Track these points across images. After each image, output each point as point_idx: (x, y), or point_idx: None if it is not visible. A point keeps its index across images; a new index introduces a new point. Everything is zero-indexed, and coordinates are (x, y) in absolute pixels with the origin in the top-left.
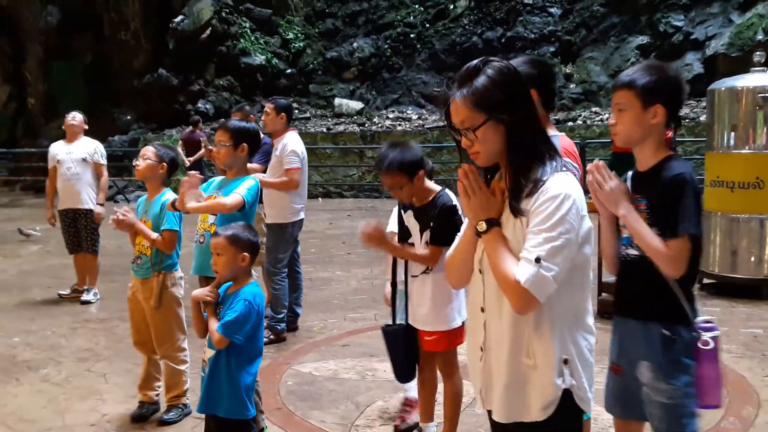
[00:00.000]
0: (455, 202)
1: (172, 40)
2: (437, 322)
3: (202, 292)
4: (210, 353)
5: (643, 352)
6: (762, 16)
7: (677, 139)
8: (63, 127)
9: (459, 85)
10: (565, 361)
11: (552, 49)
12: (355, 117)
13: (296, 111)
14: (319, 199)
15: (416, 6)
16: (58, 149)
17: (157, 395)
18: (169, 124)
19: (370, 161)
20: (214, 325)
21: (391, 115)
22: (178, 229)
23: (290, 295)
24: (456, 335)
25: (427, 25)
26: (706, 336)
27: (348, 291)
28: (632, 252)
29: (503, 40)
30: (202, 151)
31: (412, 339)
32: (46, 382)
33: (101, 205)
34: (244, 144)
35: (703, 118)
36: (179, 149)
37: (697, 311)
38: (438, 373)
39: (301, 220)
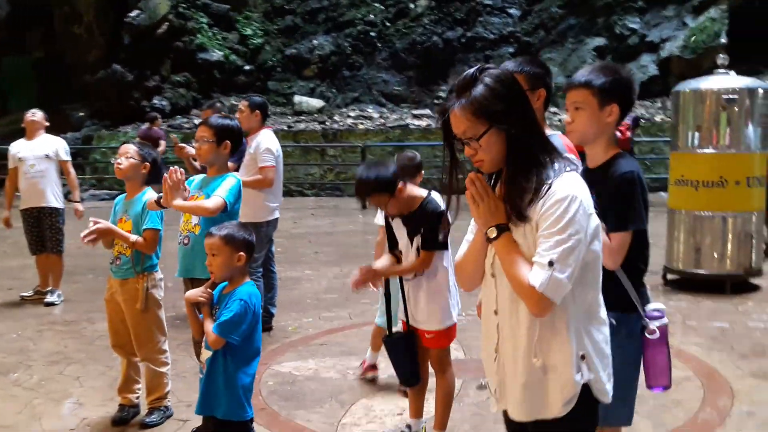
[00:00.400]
0: (442, 206)
1: (127, 35)
2: (434, 321)
3: (195, 293)
4: (207, 354)
5: None
6: (714, 19)
7: (634, 139)
8: (23, 124)
9: (457, 95)
10: (582, 357)
11: (511, 49)
12: (316, 115)
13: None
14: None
15: (376, 5)
16: (19, 147)
17: (138, 398)
18: (123, 120)
19: (331, 159)
20: (209, 325)
21: (352, 114)
22: (160, 228)
23: (265, 295)
24: (451, 332)
25: (388, 24)
26: (653, 325)
27: (320, 290)
28: None
29: (463, 40)
30: (161, 148)
31: (413, 344)
32: (18, 386)
33: (78, 201)
34: (227, 141)
35: (658, 118)
36: None
37: (648, 299)
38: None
39: (276, 219)
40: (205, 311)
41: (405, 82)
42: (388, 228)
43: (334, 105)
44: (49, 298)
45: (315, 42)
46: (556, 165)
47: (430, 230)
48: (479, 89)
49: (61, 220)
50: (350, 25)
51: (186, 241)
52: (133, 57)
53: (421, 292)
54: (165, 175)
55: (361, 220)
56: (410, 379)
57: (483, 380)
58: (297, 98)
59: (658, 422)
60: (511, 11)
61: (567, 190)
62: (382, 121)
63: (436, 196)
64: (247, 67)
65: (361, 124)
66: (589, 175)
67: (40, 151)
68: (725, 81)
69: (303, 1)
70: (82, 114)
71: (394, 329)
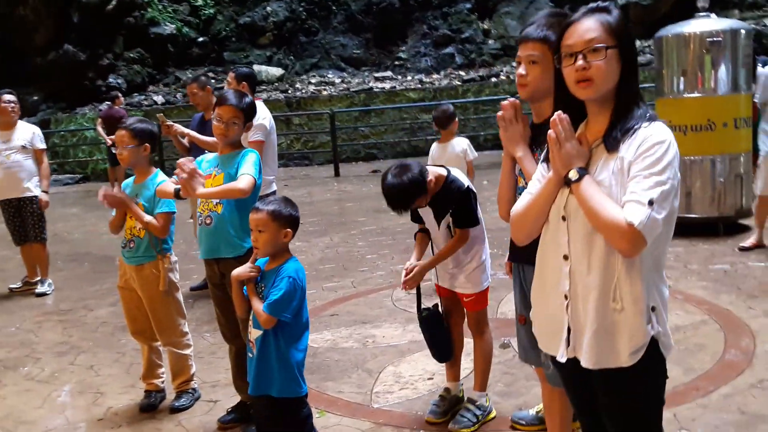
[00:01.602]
0: (466, 183)
1: (76, 14)
2: (473, 284)
3: (243, 270)
4: (256, 333)
5: None
6: None
7: None
8: None
9: (589, 13)
10: (653, 309)
11: (468, 5)
12: (276, 84)
13: (213, 81)
14: None
15: None
16: None
17: (163, 382)
18: (80, 101)
19: (297, 128)
20: (259, 305)
21: (313, 80)
22: (174, 210)
23: None
24: (485, 296)
25: None
26: None
27: (315, 261)
28: None
29: None
30: None
31: (445, 319)
32: (31, 380)
33: (46, 192)
34: (147, 144)
35: None
36: (99, 128)
37: None
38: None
39: (274, 192)
40: (251, 289)
41: (363, 44)
42: (413, 210)
43: (293, 72)
44: (39, 288)
45: (268, 9)
46: (648, 111)
47: (461, 209)
48: (615, 14)
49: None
50: None
51: (209, 221)
52: (84, 36)
53: (458, 258)
54: (177, 168)
55: (336, 188)
56: (446, 355)
57: (505, 339)
58: (255, 67)
59: (687, 367)
60: None
61: (666, 135)
62: (345, 86)
63: (456, 173)
64: (200, 39)
65: (325, 90)
66: (534, 130)
67: (17, 142)
68: (707, 24)
69: None
70: (36, 98)
71: (423, 306)
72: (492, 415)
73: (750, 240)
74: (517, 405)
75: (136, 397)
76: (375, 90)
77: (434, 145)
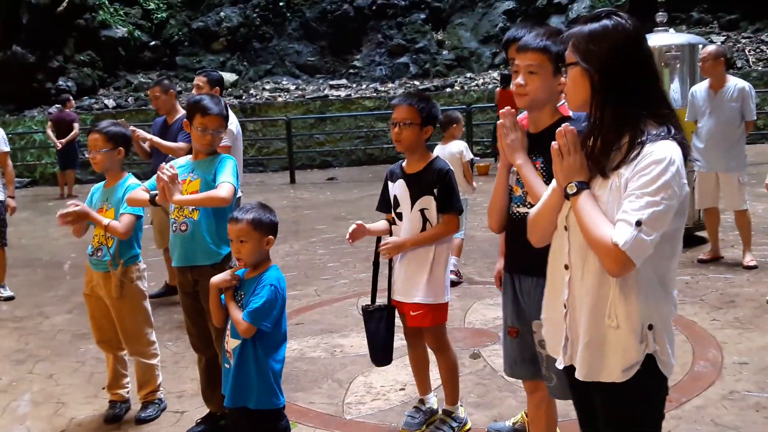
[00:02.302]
0: (449, 165)
1: (26, 15)
2: (431, 293)
3: (223, 277)
4: (234, 343)
5: (538, 310)
6: None
7: None
8: None
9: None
10: (650, 327)
11: (423, 16)
12: (230, 89)
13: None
14: None
15: None
16: None
17: (128, 392)
18: (28, 104)
19: (251, 135)
20: (238, 314)
21: (267, 87)
22: (141, 214)
23: None
24: (443, 310)
25: None
26: None
27: None
28: (522, 210)
29: (374, 7)
30: (75, 131)
31: (392, 319)
32: None
33: (13, 197)
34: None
35: None
36: (49, 131)
37: None
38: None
39: (239, 198)
40: (229, 297)
41: (318, 52)
42: (386, 192)
43: (247, 78)
44: (4, 293)
45: (222, 14)
46: (657, 130)
47: (448, 190)
48: (590, 26)
49: (3, 211)
50: None
51: (184, 228)
52: (34, 37)
53: (427, 260)
54: (158, 173)
55: (293, 195)
56: (382, 358)
57: (475, 349)
58: None
59: None
60: None
61: (665, 152)
62: (300, 93)
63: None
64: (152, 43)
65: (279, 96)
66: (531, 139)
67: None
68: (667, 38)
69: None
70: None
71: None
72: (467, 426)
73: (706, 252)
74: (492, 416)
75: (100, 407)
76: (330, 98)
77: (437, 146)
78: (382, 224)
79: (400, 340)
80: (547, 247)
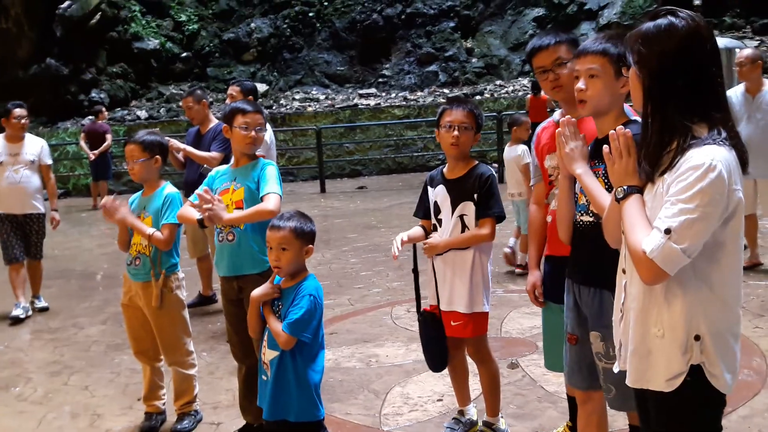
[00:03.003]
0: (491, 171)
1: (59, 27)
2: (471, 302)
3: (264, 290)
4: (272, 355)
5: (596, 321)
6: None
7: None
8: (4, 124)
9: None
10: (696, 337)
11: (452, 24)
12: (261, 100)
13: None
14: None
15: None
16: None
17: (164, 404)
18: (61, 116)
19: (282, 144)
20: (278, 325)
21: (297, 97)
22: (180, 223)
23: None
24: (483, 320)
25: (326, 3)
26: None
27: None
28: (586, 219)
29: (403, 16)
30: (108, 141)
31: (441, 323)
32: (24, 401)
33: (56, 210)
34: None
35: None
36: (82, 142)
37: None
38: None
39: None
40: (267, 309)
41: (347, 61)
42: (425, 199)
43: (277, 89)
44: (39, 304)
45: (252, 25)
46: (706, 134)
47: (488, 194)
48: (645, 26)
49: (44, 224)
50: (287, 6)
51: (231, 237)
52: (67, 50)
53: (466, 268)
54: (195, 200)
55: (323, 204)
56: (437, 364)
57: (513, 359)
58: None
59: None
60: None
61: (705, 157)
62: (330, 102)
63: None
64: (184, 55)
65: (309, 106)
66: (597, 145)
67: (26, 156)
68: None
69: None
70: None
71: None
72: None
73: (746, 259)
74: (533, 428)
75: (135, 419)
76: (360, 107)
77: (505, 148)
78: (417, 231)
79: None
80: (606, 257)
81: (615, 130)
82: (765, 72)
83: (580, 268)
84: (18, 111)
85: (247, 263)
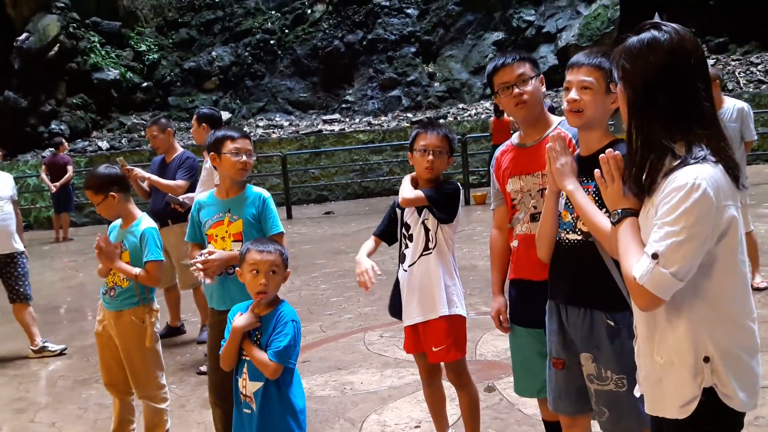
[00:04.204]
0: (458, 185)
1: (17, 59)
2: (447, 304)
3: (248, 319)
4: (255, 386)
5: (586, 342)
6: (606, 6)
7: None
8: None
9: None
10: (706, 359)
11: (413, 49)
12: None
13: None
14: None
15: (273, 12)
16: None
17: None
18: (20, 148)
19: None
20: (263, 355)
21: (261, 124)
22: (162, 258)
23: None
24: (462, 338)
25: (287, 31)
26: None
27: None
28: (572, 237)
29: (365, 42)
30: (69, 174)
31: None
32: None
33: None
34: None
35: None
36: (42, 174)
37: None
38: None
39: None
40: (247, 340)
41: (310, 88)
42: (394, 221)
43: (240, 116)
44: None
45: (213, 54)
46: (691, 153)
47: (443, 198)
48: (630, 40)
49: (25, 263)
50: (248, 35)
51: (231, 270)
52: (26, 82)
53: (433, 271)
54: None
55: (291, 230)
56: (397, 312)
57: (489, 382)
58: None
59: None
60: (409, 11)
61: (689, 177)
62: (294, 128)
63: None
64: (144, 84)
65: (273, 133)
66: (582, 162)
67: (4, 192)
68: None
69: (196, 13)
70: None
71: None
72: None
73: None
74: None
75: None
76: (324, 132)
77: None
78: (370, 245)
79: (411, 376)
80: (593, 276)
81: (605, 152)
82: (722, 90)
83: (566, 288)
84: None
85: (237, 296)
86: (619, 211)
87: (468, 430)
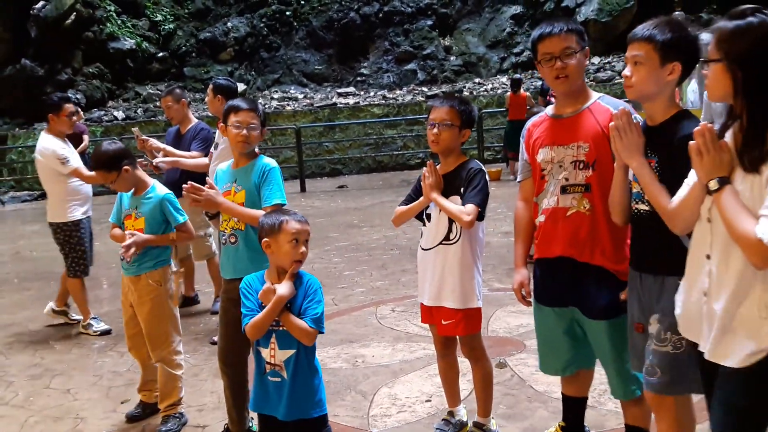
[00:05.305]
0: (481, 166)
1: (34, 28)
2: (461, 298)
3: (290, 289)
4: (286, 354)
5: (656, 305)
6: None
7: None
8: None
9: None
10: None
11: (429, 22)
12: None
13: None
14: None
15: None
16: None
17: (157, 396)
18: (37, 117)
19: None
20: (301, 322)
21: (275, 96)
22: (187, 218)
23: None
24: (475, 317)
25: (303, 2)
26: None
27: None
28: (643, 207)
29: (380, 14)
30: (85, 143)
31: None
32: (6, 405)
33: None
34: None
35: None
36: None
37: None
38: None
39: None
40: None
41: (325, 60)
42: (418, 191)
43: (255, 88)
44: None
45: (229, 24)
46: None
47: (473, 186)
48: (735, 22)
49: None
50: (264, 5)
51: (233, 240)
52: (42, 51)
53: (452, 262)
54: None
55: (304, 203)
56: None
57: (501, 358)
58: None
59: None
60: None
61: None
62: (308, 101)
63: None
64: (160, 54)
65: (288, 105)
66: (647, 133)
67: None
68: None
69: None
70: None
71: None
72: None
73: None
74: (523, 428)
75: (118, 422)
76: (339, 105)
77: None
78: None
79: (422, 350)
80: (665, 243)
81: (700, 126)
82: None
83: (641, 257)
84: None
85: (249, 265)
86: (718, 179)
87: (480, 405)
